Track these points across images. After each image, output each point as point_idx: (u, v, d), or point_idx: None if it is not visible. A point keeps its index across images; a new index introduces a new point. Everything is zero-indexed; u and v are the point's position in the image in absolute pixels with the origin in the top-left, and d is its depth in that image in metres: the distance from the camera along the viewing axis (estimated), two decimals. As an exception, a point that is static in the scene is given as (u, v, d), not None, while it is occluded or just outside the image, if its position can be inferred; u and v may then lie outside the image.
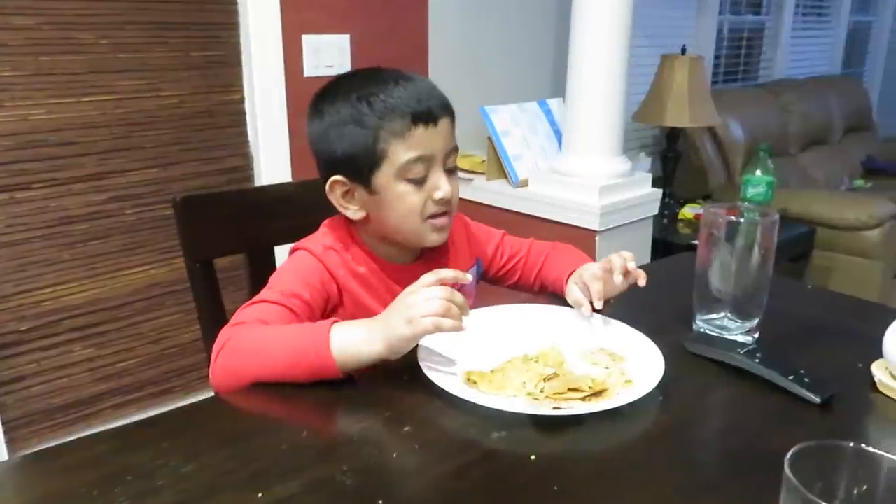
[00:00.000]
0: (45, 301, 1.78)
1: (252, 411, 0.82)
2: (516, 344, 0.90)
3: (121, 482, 0.65)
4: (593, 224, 2.00)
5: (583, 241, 1.99)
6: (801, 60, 4.14)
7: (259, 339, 0.83)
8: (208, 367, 0.86)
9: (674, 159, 2.76)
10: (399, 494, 0.65)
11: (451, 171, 0.96)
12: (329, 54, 2.08)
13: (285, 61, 2.00)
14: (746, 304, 0.94)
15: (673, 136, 2.74)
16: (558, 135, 2.33)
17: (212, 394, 0.85)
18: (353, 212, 0.97)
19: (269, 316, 0.87)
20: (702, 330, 0.97)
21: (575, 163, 2.08)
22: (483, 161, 2.30)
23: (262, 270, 1.07)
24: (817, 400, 0.78)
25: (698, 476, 0.69)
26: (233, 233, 1.17)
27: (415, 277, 0.84)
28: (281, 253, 1.11)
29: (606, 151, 2.05)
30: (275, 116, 2.02)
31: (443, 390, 0.78)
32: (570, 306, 1.01)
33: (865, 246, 2.74)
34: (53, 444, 0.74)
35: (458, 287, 0.84)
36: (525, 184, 2.20)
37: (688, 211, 2.75)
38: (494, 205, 2.23)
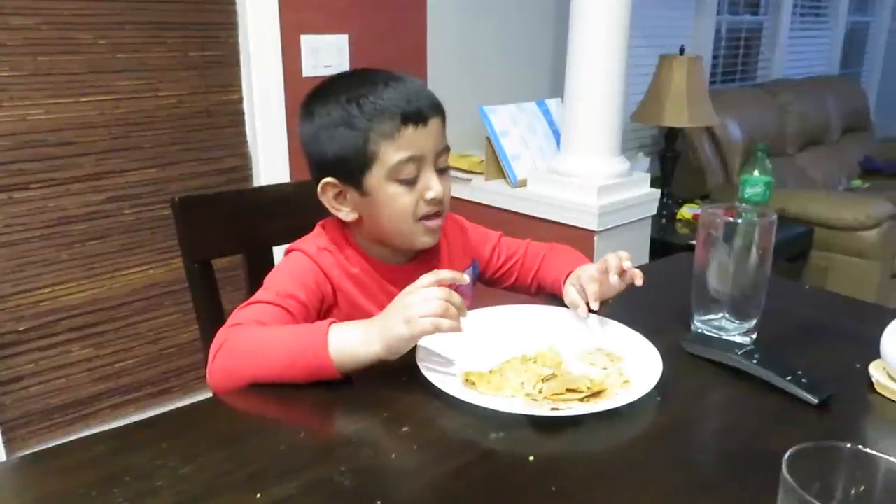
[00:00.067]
0: (44, 301, 1.78)
1: (250, 412, 0.82)
2: (514, 345, 0.90)
3: (119, 483, 0.65)
4: (592, 224, 2.00)
5: (581, 241, 1.99)
6: (798, 60, 4.14)
7: (256, 339, 0.84)
8: (206, 367, 0.86)
9: (672, 159, 2.75)
10: (397, 495, 0.65)
11: (442, 171, 0.96)
12: (328, 54, 2.08)
13: (284, 61, 2.00)
14: (744, 305, 0.94)
15: (671, 136, 2.73)
16: (557, 135, 2.33)
17: (210, 394, 0.85)
18: (346, 213, 0.97)
19: (266, 317, 0.87)
20: (700, 330, 0.97)
21: (573, 163, 2.08)
22: (481, 161, 2.30)
23: (260, 271, 1.07)
24: (815, 400, 0.78)
25: (696, 476, 0.69)
26: (231, 233, 1.17)
27: (409, 278, 0.84)
28: (279, 253, 1.11)
29: (605, 151, 2.06)
30: (273, 117, 2.02)
31: (441, 391, 0.78)
32: (568, 307, 1.01)
33: (863, 246, 2.74)
34: (52, 444, 0.74)
35: (455, 288, 0.84)
36: (523, 184, 2.20)
37: (686, 211, 2.75)
38: (493, 205, 2.23)
